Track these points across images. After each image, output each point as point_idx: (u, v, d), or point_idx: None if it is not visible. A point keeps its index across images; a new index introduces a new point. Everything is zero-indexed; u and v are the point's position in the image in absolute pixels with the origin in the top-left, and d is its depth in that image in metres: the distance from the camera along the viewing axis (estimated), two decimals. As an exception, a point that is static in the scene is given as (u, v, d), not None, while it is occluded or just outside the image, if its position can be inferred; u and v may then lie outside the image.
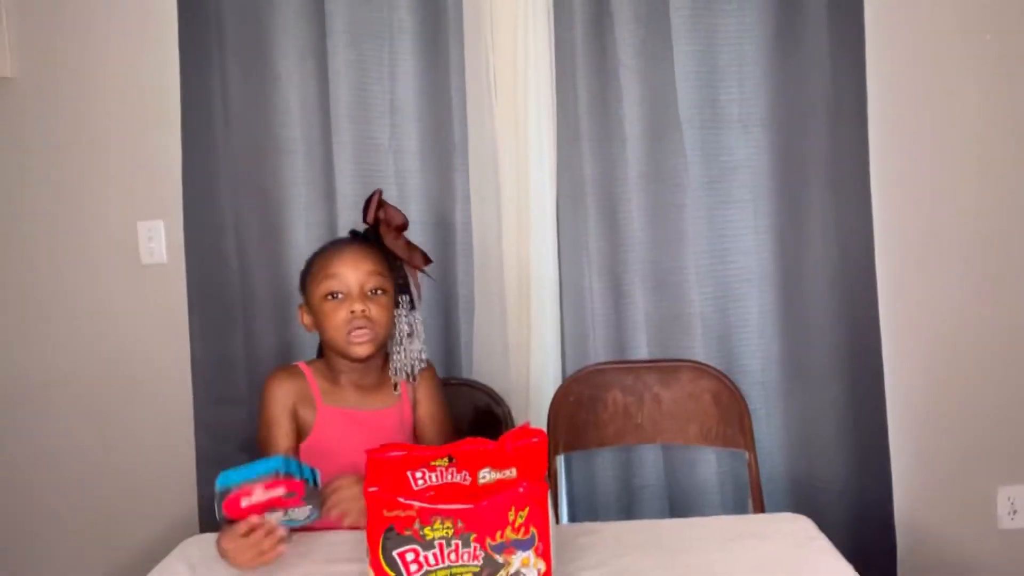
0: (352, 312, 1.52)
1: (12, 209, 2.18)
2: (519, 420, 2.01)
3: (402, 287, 1.64)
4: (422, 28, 2.03)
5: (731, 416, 1.91)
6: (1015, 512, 2.21)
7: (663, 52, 2.00)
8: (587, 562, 1.27)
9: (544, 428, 1.91)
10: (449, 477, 1.14)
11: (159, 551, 1.42)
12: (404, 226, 1.68)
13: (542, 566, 1.10)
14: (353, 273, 1.54)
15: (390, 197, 2.03)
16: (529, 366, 2.10)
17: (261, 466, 1.25)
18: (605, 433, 1.96)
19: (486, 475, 1.14)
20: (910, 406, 2.17)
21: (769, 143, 2.05)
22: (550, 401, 1.95)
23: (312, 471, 1.31)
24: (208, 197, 2.07)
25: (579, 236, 2.07)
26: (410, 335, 1.62)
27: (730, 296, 2.10)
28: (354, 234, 1.68)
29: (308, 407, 1.59)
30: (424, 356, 1.65)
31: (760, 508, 1.88)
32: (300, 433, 1.59)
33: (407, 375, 1.62)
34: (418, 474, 1.13)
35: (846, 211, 2.06)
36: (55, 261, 2.18)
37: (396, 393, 1.65)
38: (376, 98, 2.04)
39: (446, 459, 1.16)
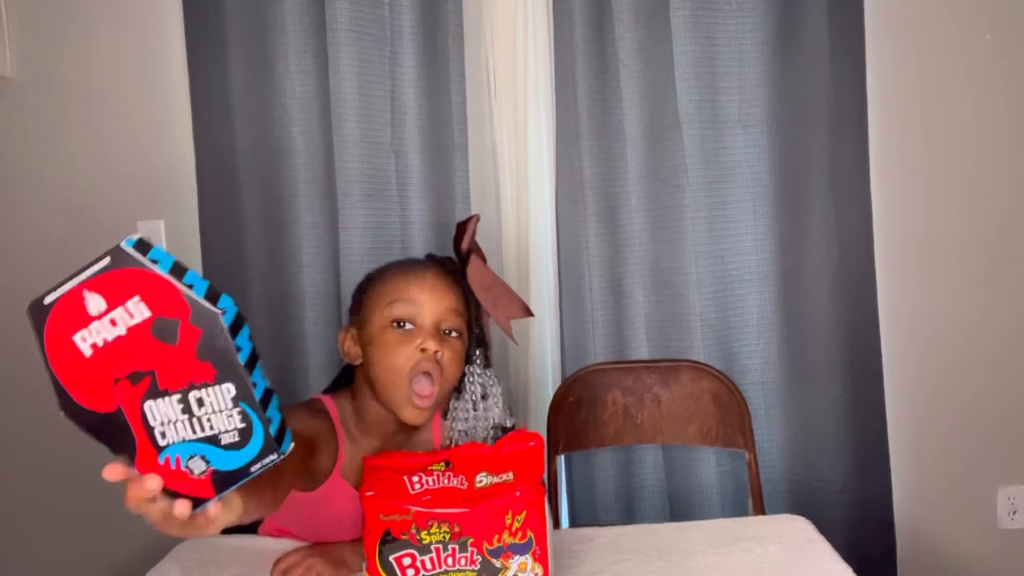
0: (423, 351, 1.24)
1: (12, 209, 2.18)
2: (519, 421, 2.01)
3: (479, 338, 1.37)
4: (422, 28, 2.03)
5: (731, 416, 1.91)
6: (1015, 512, 2.21)
7: (663, 52, 2.00)
8: (585, 568, 1.27)
9: (543, 429, 1.92)
10: (446, 481, 1.14)
11: (159, 553, 1.42)
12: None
13: (539, 570, 1.10)
14: (433, 304, 1.27)
15: (390, 197, 2.05)
16: (528, 366, 2.10)
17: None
18: (605, 433, 1.96)
19: (483, 479, 1.14)
20: (910, 406, 2.17)
21: (769, 143, 2.05)
22: (549, 401, 1.95)
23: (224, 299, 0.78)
24: (219, 196, 2.07)
25: (579, 236, 2.07)
26: (484, 397, 1.34)
27: (730, 296, 2.10)
28: (431, 257, 1.43)
29: (328, 457, 1.31)
30: (509, 423, 1.36)
31: (760, 508, 1.89)
32: (313, 474, 1.30)
33: None
34: (415, 478, 1.13)
35: (846, 211, 2.06)
36: (55, 261, 2.17)
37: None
38: (376, 98, 2.03)
39: (443, 463, 1.16)
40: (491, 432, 1.34)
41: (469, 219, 1.39)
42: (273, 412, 0.78)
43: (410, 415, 1.25)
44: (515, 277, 2.10)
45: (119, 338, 0.74)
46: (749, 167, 2.06)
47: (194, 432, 0.75)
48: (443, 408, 1.38)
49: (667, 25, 1.99)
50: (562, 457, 2.04)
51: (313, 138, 2.05)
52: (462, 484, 1.13)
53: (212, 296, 0.75)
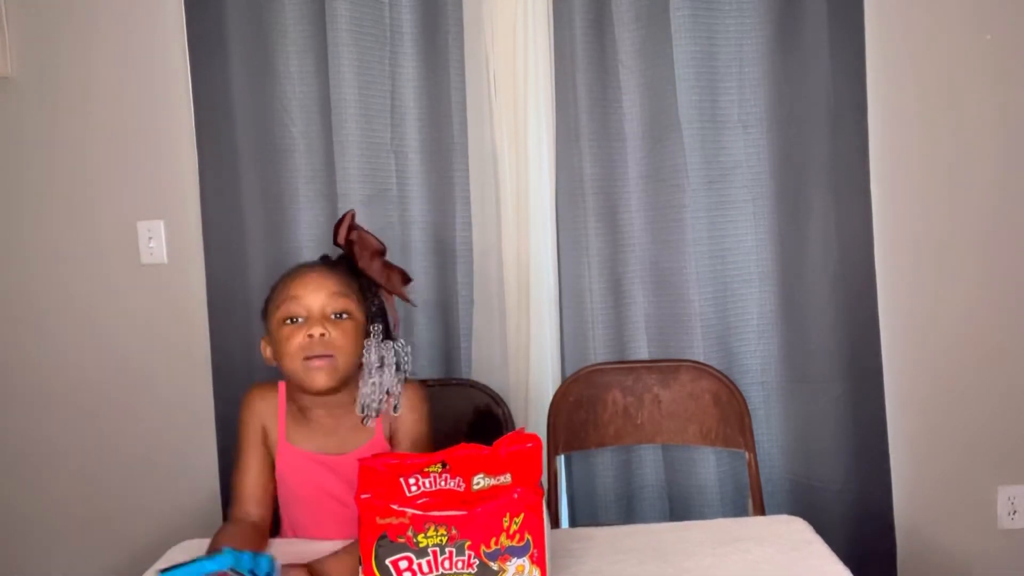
0: (310, 336, 1.39)
1: (12, 209, 2.19)
2: (519, 421, 2.01)
3: (376, 314, 1.52)
4: (422, 28, 2.03)
5: (731, 416, 1.91)
6: (1015, 512, 2.21)
7: (663, 52, 2.00)
8: (582, 567, 1.27)
9: (543, 429, 1.92)
10: (443, 483, 1.13)
11: (157, 553, 1.42)
12: (381, 252, 1.58)
13: (537, 573, 1.10)
14: (315, 294, 1.42)
15: (390, 197, 2.06)
16: (529, 366, 2.10)
17: (211, 564, 1.09)
18: (605, 433, 1.96)
19: (480, 481, 1.14)
20: (910, 406, 2.16)
21: (769, 143, 2.05)
22: (550, 401, 1.95)
23: (269, 561, 1.14)
24: (220, 196, 2.08)
25: (579, 236, 2.07)
26: (380, 367, 1.45)
27: (730, 296, 2.10)
28: (324, 258, 1.59)
29: (273, 434, 1.49)
30: (399, 387, 1.47)
31: (760, 508, 1.88)
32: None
33: (375, 411, 1.45)
34: (411, 480, 1.13)
35: (846, 211, 2.05)
36: (55, 261, 2.19)
37: (370, 426, 1.47)
38: (376, 98, 2.03)
39: (440, 465, 1.15)
40: (382, 401, 1.45)
41: (343, 217, 1.57)
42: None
43: (313, 380, 1.40)
44: (515, 277, 2.10)
45: None
46: (749, 167, 2.06)
47: None
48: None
49: (667, 25, 1.98)
50: (562, 457, 2.04)
51: (313, 138, 2.06)
52: (459, 486, 1.13)
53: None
